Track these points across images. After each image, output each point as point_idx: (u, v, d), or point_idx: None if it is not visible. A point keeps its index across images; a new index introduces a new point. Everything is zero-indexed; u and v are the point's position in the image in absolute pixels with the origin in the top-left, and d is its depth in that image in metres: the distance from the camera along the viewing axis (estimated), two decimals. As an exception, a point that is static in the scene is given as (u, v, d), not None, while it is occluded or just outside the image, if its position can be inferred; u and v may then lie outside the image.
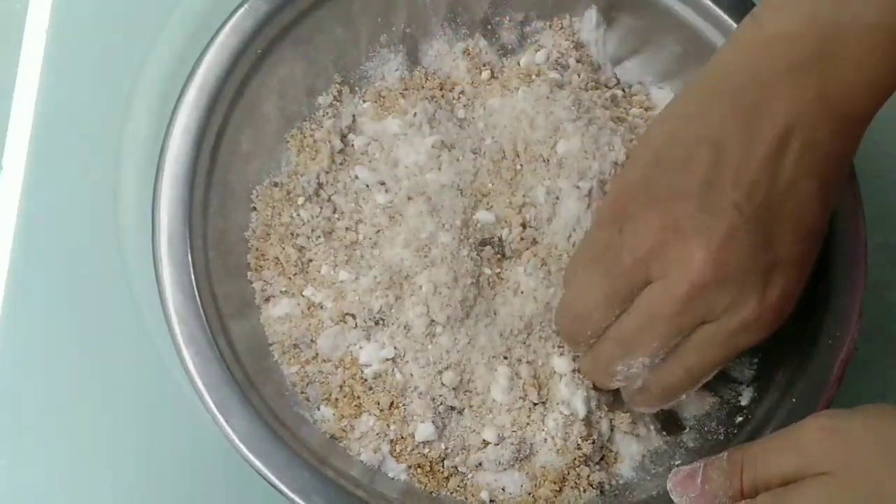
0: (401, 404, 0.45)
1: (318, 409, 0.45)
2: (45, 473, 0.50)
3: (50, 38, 0.56)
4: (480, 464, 0.45)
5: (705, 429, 0.46)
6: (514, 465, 0.44)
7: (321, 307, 0.46)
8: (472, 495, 0.44)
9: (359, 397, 0.45)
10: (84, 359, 0.51)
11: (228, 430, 0.41)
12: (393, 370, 0.45)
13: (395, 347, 0.45)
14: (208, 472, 0.50)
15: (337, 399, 0.45)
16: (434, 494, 0.44)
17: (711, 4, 0.48)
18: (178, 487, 0.50)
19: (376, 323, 0.45)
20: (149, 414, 0.51)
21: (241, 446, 0.41)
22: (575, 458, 0.44)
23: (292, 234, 0.47)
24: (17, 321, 0.52)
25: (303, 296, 0.46)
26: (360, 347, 0.45)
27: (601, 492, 0.44)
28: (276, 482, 0.40)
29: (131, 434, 0.50)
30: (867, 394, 0.54)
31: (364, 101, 0.50)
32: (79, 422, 0.51)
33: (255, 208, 0.47)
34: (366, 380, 0.45)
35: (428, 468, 0.44)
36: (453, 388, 0.44)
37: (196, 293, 0.43)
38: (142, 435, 0.50)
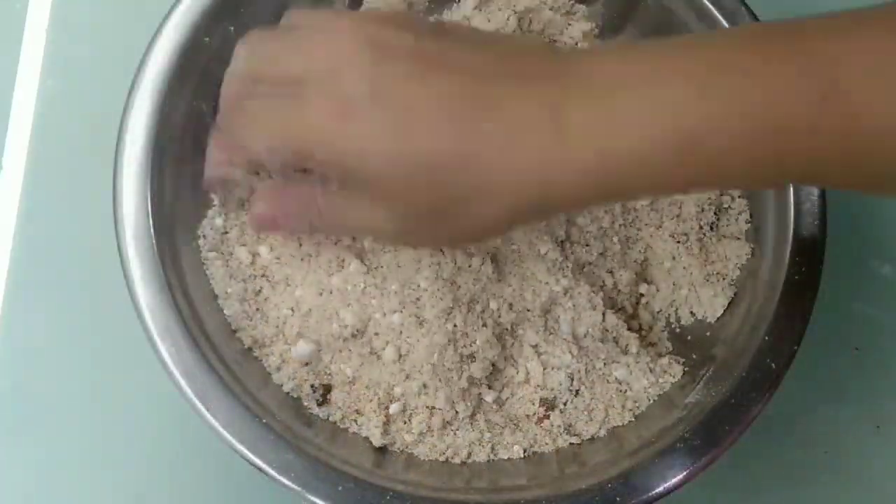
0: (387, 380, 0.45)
1: (297, 387, 0.46)
2: (45, 472, 0.50)
3: (50, 38, 0.56)
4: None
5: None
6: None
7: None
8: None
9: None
10: (84, 358, 0.51)
11: (210, 417, 0.41)
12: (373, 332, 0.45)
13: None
14: (209, 470, 0.50)
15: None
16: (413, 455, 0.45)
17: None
18: (181, 487, 0.50)
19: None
20: (149, 413, 0.51)
21: (225, 433, 0.41)
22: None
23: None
24: (17, 321, 0.52)
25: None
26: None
27: None
28: (262, 465, 0.41)
29: (132, 434, 0.51)
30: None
31: None
32: (79, 421, 0.51)
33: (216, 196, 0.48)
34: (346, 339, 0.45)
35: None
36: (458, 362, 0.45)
37: (167, 285, 0.43)
38: (142, 434, 0.51)
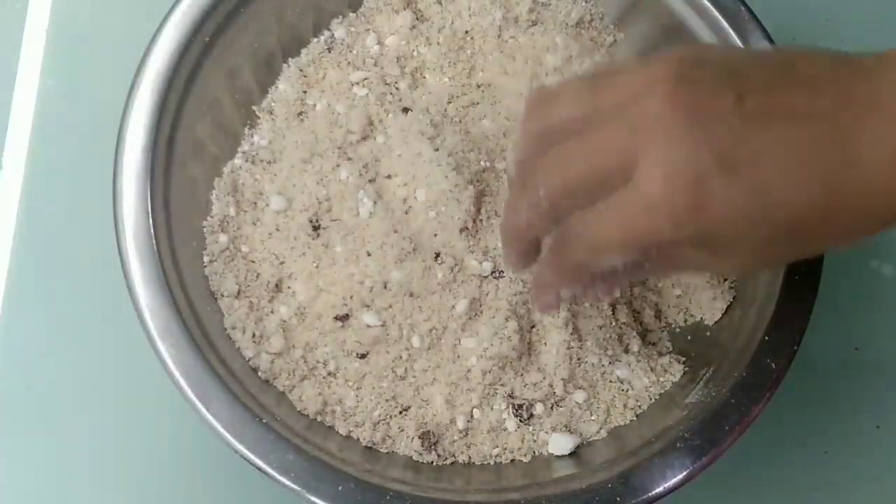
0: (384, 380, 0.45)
1: (296, 388, 0.46)
2: (45, 472, 0.50)
3: (50, 38, 0.56)
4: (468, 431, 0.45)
5: None
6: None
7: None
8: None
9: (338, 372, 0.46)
10: (84, 358, 0.51)
11: (210, 417, 0.41)
12: (377, 343, 0.45)
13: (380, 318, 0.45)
14: (209, 470, 0.50)
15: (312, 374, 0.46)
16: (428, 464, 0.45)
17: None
18: (181, 487, 0.50)
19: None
20: (149, 413, 0.51)
21: (225, 433, 0.41)
22: None
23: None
24: (17, 321, 0.52)
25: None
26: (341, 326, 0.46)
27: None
28: (262, 465, 0.41)
29: (132, 434, 0.51)
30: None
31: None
32: (79, 421, 0.51)
33: (216, 197, 0.48)
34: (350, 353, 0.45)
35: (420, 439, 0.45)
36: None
37: (167, 285, 0.43)
38: (142, 434, 0.51)
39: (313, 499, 0.41)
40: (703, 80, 0.33)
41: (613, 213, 0.34)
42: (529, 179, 0.36)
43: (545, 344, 0.46)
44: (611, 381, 0.47)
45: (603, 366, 0.47)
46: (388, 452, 0.45)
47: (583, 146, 0.34)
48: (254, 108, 0.50)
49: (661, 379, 0.47)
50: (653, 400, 0.47)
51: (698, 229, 0.33)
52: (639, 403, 0.47)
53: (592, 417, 0.46)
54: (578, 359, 0.46)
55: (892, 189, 0.33)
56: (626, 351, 0.47)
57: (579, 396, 0.46)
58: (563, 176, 0.35)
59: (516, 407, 0.45)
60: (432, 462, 0.45)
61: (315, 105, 0.50)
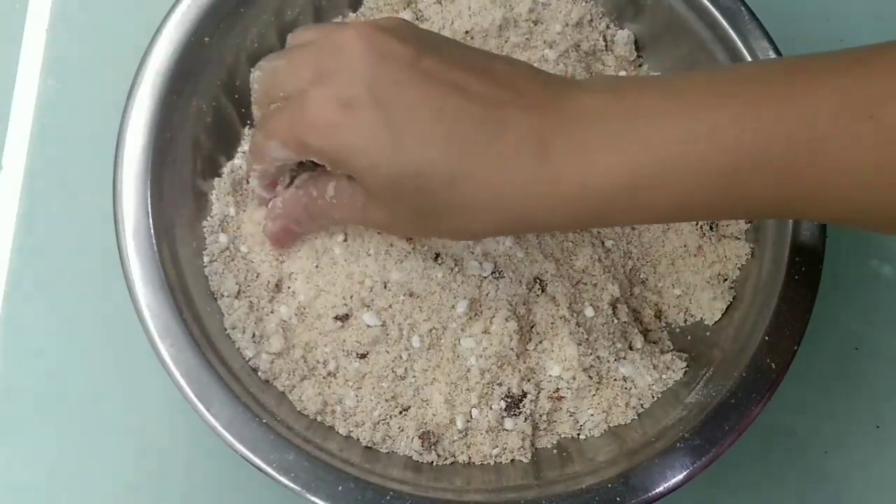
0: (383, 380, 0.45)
1: (296, 388, 0.46)
2: (45, 472, 0.50)
3: (50, 38, 0.56)
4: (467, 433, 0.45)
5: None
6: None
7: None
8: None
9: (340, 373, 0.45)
10: (84, 358, 0.51)
11: (210, 418, 0.41)
12: (377, 344, 0.45)
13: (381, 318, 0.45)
14: (209, 470, 0.50)
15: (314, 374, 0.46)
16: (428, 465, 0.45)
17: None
18: (181, 487, 0.50)
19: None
20: (149, 413, 0.51)
21: (225, 433, 0.41)
22: None
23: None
24: (17, 320, 0.52)
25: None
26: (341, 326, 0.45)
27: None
28: (262, 465, 0.41)
29: (132, 433, 0.51)
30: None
31: None
32: (79, 421, 0.51)
33: (216, 197, 0.48)
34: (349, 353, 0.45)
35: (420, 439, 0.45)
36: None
37: (167, 285, 0.43)
38: (142, 434, 0.51)
39: (313, 499, 0.41)
40: (395, 35, 0.37)
41: (285, 111, 0.39)
42: (258, 143, 0.42)
43: (545, 344, 0.46)
44: (614, 380, 0.47)
45: (608, 362, 0.47)
46: (388, 452, 0.45)
47: (295, 114, 0.39)
48: (254, 108, 0.50)
49: (664, 376, 0.47)
50: (655, 398, 0.47)
51: (333, 146, 0.37)
52: (641, 402, 0.47)
53: (593, 416, 0.46)
54: (580, 358, 0.46)
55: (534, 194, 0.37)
56: (630, 348, 0.47)
57: (580, 395, 0.46)
58: (265, 86, 0.41)
59: (516, 407, 0.45)
60: (432, 462, 0.45)
61: None
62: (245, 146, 0.49)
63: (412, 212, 0.38)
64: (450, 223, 0.38)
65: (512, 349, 0.45)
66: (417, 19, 0.51)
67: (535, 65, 0.49)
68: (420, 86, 0.37)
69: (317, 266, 0.46)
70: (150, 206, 0.44)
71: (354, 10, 0.52)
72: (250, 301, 0.46)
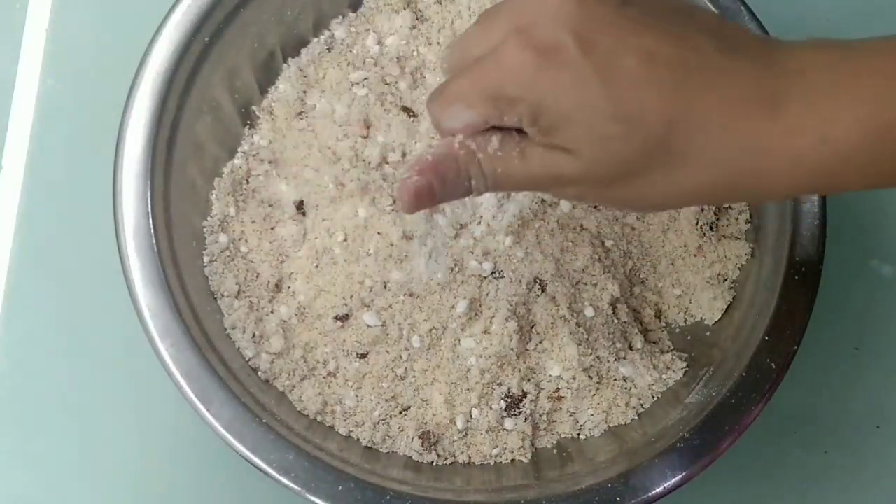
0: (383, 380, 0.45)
1: (296, 388, 0.46)
2: (45, 472, 0.50)
3: (50, 38, 0.56)
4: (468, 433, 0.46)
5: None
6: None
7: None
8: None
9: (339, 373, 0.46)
10: (84, 358, 0.51)
11: (210, 418, 0.41)
12: (378, 342, 0.45)
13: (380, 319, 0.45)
14: (209, 470, 0.50)
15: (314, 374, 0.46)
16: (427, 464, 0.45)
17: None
18: (181, 487, 0.50)
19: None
20: (149, 413, 0.51)
21: (225, 433, 0.41)
22: None
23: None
24: (17, 321, 0.52)
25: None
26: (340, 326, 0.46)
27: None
28: (262, 465, 0.41)
29: (132, 433, 0.51)
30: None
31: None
32: (79, 421, 0.51)
33: (216, 197, 0.48)
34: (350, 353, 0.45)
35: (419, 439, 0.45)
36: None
37: (167, 285, 0.43)
38: (142, 434, 0.51)
39: (313, 499, 0.41)
40: None
41: (473, 68, 0.35)
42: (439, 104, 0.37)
43: (545, 344, 0.46)
44: (614, 380, 0.47)
45: (608, 362, 0.47)
46: (388, 452, 0.45)
47: (477, 27, 0.36)
48: (254, 108, 0.50)
49: (664, 376, 0.47)
50: (655, 398, 0.47)
51: (536, 92, 0.34)
52: (641, 402, 0.47)
53: (593, 416, 0.46)
54: (580, 358, 0.46)
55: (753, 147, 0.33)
56: (630, 348, 0.47)
57: (580, 395, 0.46)
58: (455, 58, 0.37)
59: (516, 407, 0.45)
60: (432, 462, 0.45)
61: (315, 105, 0.50)
62: (245, 146, 0.49)
63: (616, 166, 0.35)
64: (656, 181, 0.35)
65: (512, 349, 0.45)
66: (417, 19, 0.51)
67: None
68: (628, 30, 0.34)
69: (317, 266, 0.46)
70: (150, 206, 0.44)
71: (354, 11, 0.52)
72: (250, 301, 0.46)
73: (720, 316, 0.49)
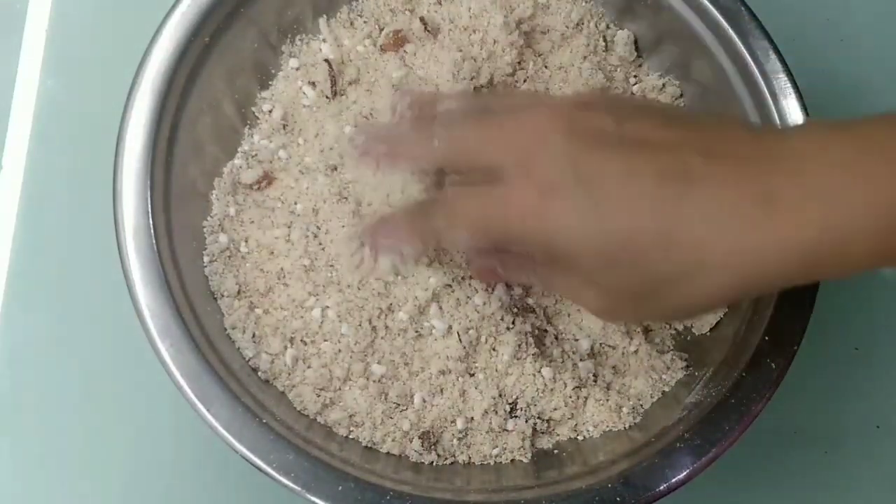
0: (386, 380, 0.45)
1: (296, 388, 0.45)
2: (45, 472, 0.50)
3: (50, 38, 0.56)
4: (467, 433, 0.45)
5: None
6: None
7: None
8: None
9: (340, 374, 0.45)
10: (84, 358, 0.51)
11: (210, 417, 0.41)
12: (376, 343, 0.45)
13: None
14: (209, 470, 0.50)
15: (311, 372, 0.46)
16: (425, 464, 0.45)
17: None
18: (181, 487, 0.50)
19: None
20: (149, 413, 0.51)
21: (225, 433, 0.41)
22: None
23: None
24: (16, 320, 0.52)
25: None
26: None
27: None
28: (262, 465, 0.41)
29: (132, 433, 0.51)
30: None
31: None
32: (79, 421, 0.51)
33: (216, 197, 0.48)
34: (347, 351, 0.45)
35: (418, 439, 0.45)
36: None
37: (166, 285, 0.43)
38: (142, 434, 0.51)
39: (313, 499, 0.41)
40: (593, 108, 0.37)
41: (478, 197, 0.37)
42: (432, 214, 0.40)
43: (547, 344, 0.46)
44: (615, 379, 0.47)
45: (609, 363, 0.46)
46: (388, 452, 0.45)
47: (493, 202, 0.37)
48: (254, 108, 0.50)
49: (664, 377, 0.47)
50: (655, 398, 0.47)
51: (538, 231, 0.36)
52: (640, 402, 0.47)
53: (593, 416, 0.46)
54: (581, 358, 0.46)
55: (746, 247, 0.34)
56: (631, 348, 0.47)
57: (581, 395, 0.46)
58: (469, 229, 0.38)
59: (516, 407, 0.45)
60: (432, 462, 0.45)
61: (315, 105, 0.50)
62: (245, 146, 0.49)
63: (635, 293, 0.36)
64: (670, 297, 0.36)
65: (513, 349, 0.45)
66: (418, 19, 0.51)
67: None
68: (625, 154, 0.35)
69: (316, 266, 0.46)
70: (150, 206, 0.44)
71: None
72: (250, 301, 0.46)
73: (720, 316, 0.49)
